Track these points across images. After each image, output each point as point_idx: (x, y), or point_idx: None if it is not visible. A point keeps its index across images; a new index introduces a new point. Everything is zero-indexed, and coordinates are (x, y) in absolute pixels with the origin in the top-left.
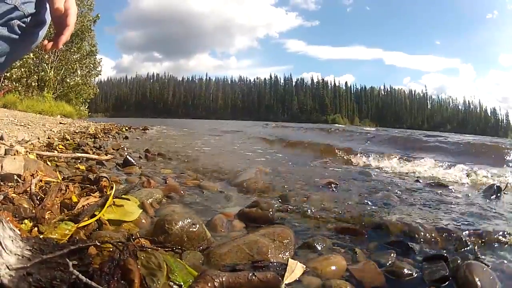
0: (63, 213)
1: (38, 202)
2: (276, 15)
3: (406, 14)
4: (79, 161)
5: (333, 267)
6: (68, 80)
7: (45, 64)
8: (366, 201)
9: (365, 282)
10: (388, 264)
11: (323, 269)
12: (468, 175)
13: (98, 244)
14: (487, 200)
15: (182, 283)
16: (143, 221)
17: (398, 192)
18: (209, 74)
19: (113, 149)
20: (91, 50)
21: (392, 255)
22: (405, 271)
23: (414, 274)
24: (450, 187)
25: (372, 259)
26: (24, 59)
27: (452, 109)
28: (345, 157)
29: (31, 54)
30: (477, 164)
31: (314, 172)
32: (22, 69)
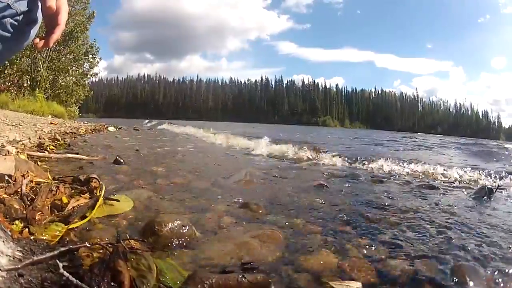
0: (53, 214)
1: (29, 203)
2: (268, 18)
3: (397, 17)
4: (70, 161)
5: (324, 264)
6: (59, 81)
7: (40, 63)
8: (356, 200)
9: (357, 279)
10: (380, 261)
11: (314, 266)
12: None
13: (89, 245)
14: (479, 202)
15: (172, 285)
16: (133, 220)
17: (389, 192)
18: (200, 75)
19: (104, 148)
20: (86, 50)
21: (384, 253)
22: (397, 268)
23: (406, 272)
24: (441, 189)
25: (364, 256)
26: (17, 58)
27: (443, 111)
28: None
29: (22, 53)
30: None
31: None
32: (15, 67)
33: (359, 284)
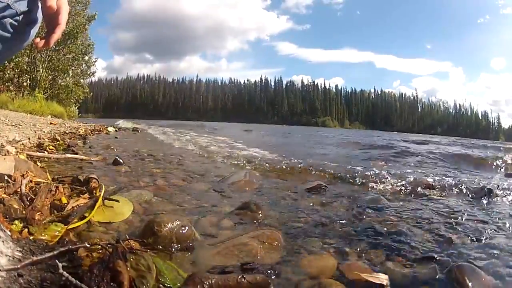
0: (53, 215)
1: (28, 203)
2: (267, 18)
3: (397, 18)
4: (69, 162)
5: (324, 267)
6: (59, 81)
7: (39, 63)
8: (355, 202)
9: (355, 281)
10: (378, 264)
11: (313, 269)
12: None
13: (88, 246)
14: (478, 203)
15: (171, 286)
16: (133, 222)
17: (387, 193)
18: (200, 76)
19: (103, 149)
20: (85, 49)
21: (383, 255)
22: (396, 270)
23: (404, 274)
24: (440, 190)
25: (363, 259)
26: (18, 58)
27: (442, 112)
28: None
29: (22, 53)
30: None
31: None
32: (12, 64)
33: (386, 277)
